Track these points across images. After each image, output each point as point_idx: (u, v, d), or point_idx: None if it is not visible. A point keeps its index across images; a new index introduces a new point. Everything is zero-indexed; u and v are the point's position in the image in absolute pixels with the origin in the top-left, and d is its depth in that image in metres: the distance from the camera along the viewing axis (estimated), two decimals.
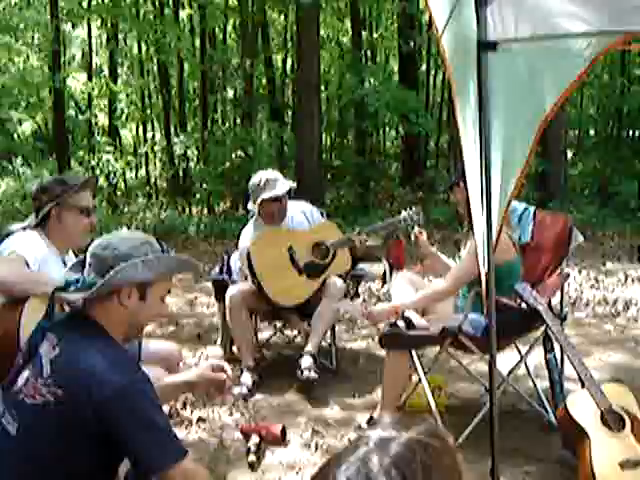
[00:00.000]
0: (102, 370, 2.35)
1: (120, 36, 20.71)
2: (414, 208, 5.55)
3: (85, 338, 2.47)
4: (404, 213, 5.50)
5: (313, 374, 5.22)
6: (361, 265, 5.98)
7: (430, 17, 17.60)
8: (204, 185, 16.24)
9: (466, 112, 3.32)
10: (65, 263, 3.85)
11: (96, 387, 2.31)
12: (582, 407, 3.71)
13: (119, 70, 21.83)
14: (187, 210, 16.61)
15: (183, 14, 18.84)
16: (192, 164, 18.06)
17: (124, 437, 2.37)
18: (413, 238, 5.14)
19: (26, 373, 2.46)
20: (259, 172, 5.70)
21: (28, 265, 3.63)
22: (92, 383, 2.32)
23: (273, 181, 5.49)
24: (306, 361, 5.29)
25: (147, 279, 2.54)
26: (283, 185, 5.51)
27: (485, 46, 2.99)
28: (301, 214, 5.77)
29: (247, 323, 5.55)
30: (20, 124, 23.79)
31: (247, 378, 5.38)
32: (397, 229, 5.54)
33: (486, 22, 2.98)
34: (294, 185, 5.71)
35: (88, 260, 2.58)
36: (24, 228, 3.88)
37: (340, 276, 5.60)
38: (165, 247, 2.64)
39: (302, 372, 5.22)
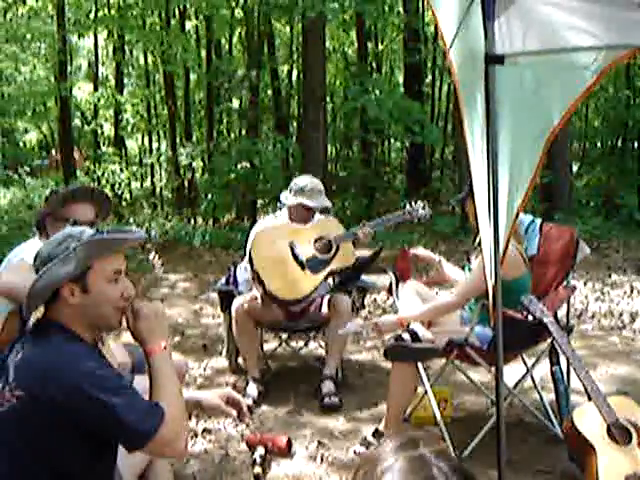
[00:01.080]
0: (53, 366, 2.36)
1: (126, 47, 20.78)
2: (419, 202, 5.56)
3: (42, 339, 2.46)
4: (409, 207, 5.51)
5: (335, 400, 5.29)
6: (367, 277, 5.99)
7: (436, 29, 17.67)
8: (209, 196, 16.22)
9: (473, 125, 3.33)
10: None
11: (51, 384, 2.32)
12: (588, 420, 3.70)
13: (125, 80, 21.89)
14: (192, 221, 16.61)
15: (189, 25, 18.89)
16: (197, 175, 18.06)
17: (99, 429, 2.39)
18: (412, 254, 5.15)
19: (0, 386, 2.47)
20: (308, 176, 5.79)
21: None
22: (46, 381, 2.33)
23: (318, 192, 5.56)
24: (327, 387, 5.38)
25: (71, 272, 2.46)
26: (324, 202, 5.59)
27: (493, 59, 3.00)
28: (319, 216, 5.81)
29: (253, 334, 5.55)
30: (26, 133, 23.88)
31: (252, 389, 5.38)
32: (402, 222, 5.54)
33: (494, 36, 2.99)
34: (330, 206, 5.78)
35: None
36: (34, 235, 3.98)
37: (346, 291, 5.60)
38: (88, 234, 2.53)
39: (323, 399, 5.29)
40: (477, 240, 4.63)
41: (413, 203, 5.56)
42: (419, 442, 1.35)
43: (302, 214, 5.58)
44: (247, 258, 5.55)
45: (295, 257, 5.45)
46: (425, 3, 18.37)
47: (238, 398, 3.01)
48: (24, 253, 3.80)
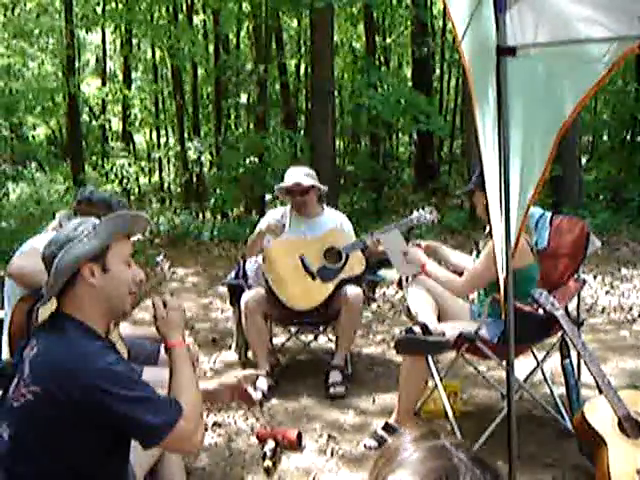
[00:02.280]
0: (71, 363, 2.35)
1: (134, 41, 20.79)
2: (426, 207, 5.56)
3: (56, 332, 2.45)
4: (416, 213, 5.51)
5: (341, 390, 5.36)
6: (378, 271, 6.00)
7: (445, 22, 17.65)
8: (218, 190, 16.23)
9: (485, 117, 3.32)
10: None
11: (69, 382, 2.31)
12: (599, 413, 3.69)
13: (133, 75, 21.90)
14: (201, 215, 16.63)
15: (197, 19, 18.88)
16: (206, 169, 18.07)
17: (115, 422, 2.38)
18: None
19: (15, 380, 2.47)
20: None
21: None
22: (65, 378, 2.32)
23: (297, 174, 5.70)
24: (335, 376, 5.46)
25: (96, 248, 2.48)
26: (305, 179, 5.66)
27: (504, 51, 2.99)
28: (335, 222, 5.84)
29: (263, 328, 5.56)
30: (34, 129, 23.90)
31: (263, 383, 5.39)
32: (412, 229, 5.57)
33: (505, 27, 2.98)
34: (324, 188, 5.82)
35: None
36: (54, 229, 4.02)
37: (356, 282, 5.60)
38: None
39: (329, 388, 5.36)
40: (487, 230, 4.65)
41: (420, 209, 5.56)
42: (439, 434, 1.35)
43: (294, 202, 5.73)
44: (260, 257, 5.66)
45: (306, 268, 5.51)
46: None
47: (247, 389, 3.02)
48: (36, 242, 3.85)
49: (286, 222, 5.68)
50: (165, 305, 2.66)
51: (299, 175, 5.67)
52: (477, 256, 4.75)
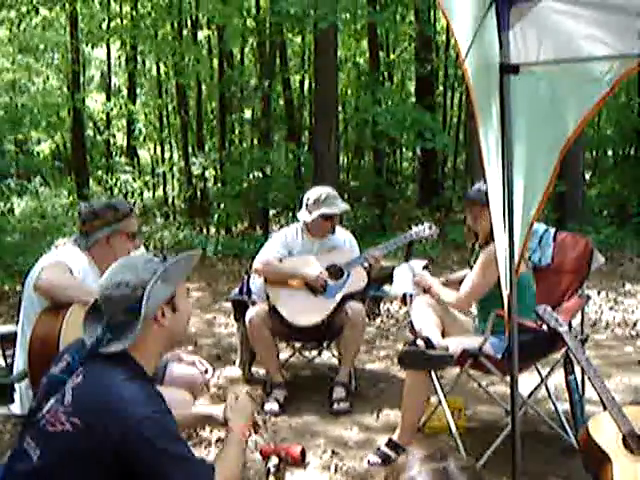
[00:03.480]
0: (119, 405, 2.34)
1: (139, 57, 20.89)
2: (425, 223, 5.57)
3: (107, 369, 2.45)
4: (415, 228, 5.53)
5: (345, 406, 5.37)
6: (381, 286, 6.00)
7: (448, 39, 17.71)
8: (221, 205, 16.28)
9: (489, 134, 3.33)
10: None
11: (113, 423, 2.31)
12: (604, 430, 3.67)
13: (137, 91, 21.98)
14: (205, 230, 16.65)
15: (201, 35, 18.98)
16: (210, 184, 18.11)
17: (146, 471, 2.36)
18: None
19: (52, 400, 2.47)
20: (317, 187, 5.79)
21: (72, 274, 3.77)
22: (109, 418, 2.32)
23: (333, 198, 5.60)
24: (339, 392, 5.46)
25: (172, 291, 2.56)
26: (342, 205, 5.62)
27: (507, 69, 3.01)
28: (342, 240, 5.83)
29: (270, 341, 5.56)
30: (39, 144, 23.99)
31: (279, 394, 5.43)
32: (412, 244, 5.59)
33: (508, 45, 3.00)
34: (349, 208, 5.80)
35: (106, 306, 2.53)
36: (65, 244, 4.03)
37: (359, 298, 5.61)
38: (160, 255, 2.62)
39: (333, 404, 5.37)
40: (476, 246, 4.68)
41: (419, 224, 5.57)
42: (447, 454, 1.35)
43: (322, 226, 5.62)
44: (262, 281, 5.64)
45: (308, 286, 5.51)
46: (441, 14, 18.43)
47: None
48: (62, 256, 3.88)
49: (298, 241, 5.69)
50: (237, 396, 2.86)
51: (340, 202, 5.64)
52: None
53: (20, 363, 3.95)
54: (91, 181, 18.90)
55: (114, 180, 18.08)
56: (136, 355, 2.51)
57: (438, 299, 4.71)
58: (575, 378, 4.55)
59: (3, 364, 4.34)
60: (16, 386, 3.88)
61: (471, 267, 4.80)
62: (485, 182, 3.57)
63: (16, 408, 3.89)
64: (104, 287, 2.53)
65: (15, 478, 2.48)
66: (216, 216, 16.37)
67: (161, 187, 21.54)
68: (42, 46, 20.02)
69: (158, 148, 23.09)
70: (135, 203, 18.67)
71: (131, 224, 4.09)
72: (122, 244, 4.04)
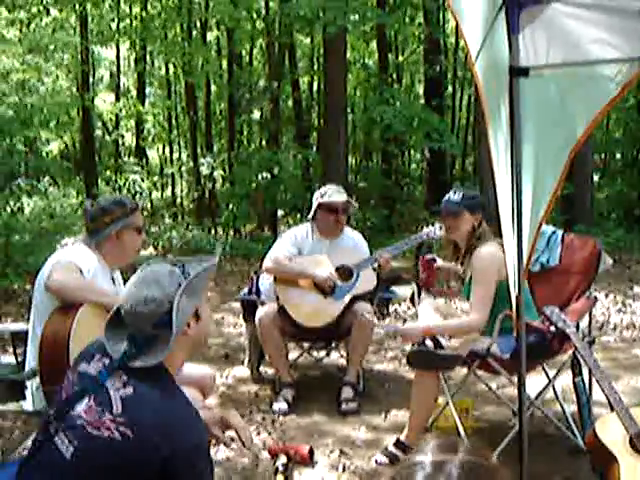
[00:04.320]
0: (176, 426, 2.40)
1: (148, 58, 20.95)
2: (436, 224, 5.58)
3: (156, 385, 2.49)
4: (425, 229, 5.55)
5: (353, 406, 5.39)
6: (390, 287, 6.03)
7: (457, 40, 17.71)
8: (230, 206, 16.31)
9: (498, 136, 3.36)
10: (113, 279, 4.11)
11: (168, 441, 2.36)
12: (611, 431, 3.68)
13: (147, 91, 22.04)
14: (213, 231, 16.68)
15: (210, 36, 19.03)
16: (218, 185, 18.14)
17: None
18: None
19: (87, 400, 2.48)
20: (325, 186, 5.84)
21: (82, 274, 3.81)
22: (165, 436, 2.36)
23: (335, 191, 5.66)
24: (347, 392, 5.47)
25: (197, 303, 2.60)
26: (343, 196, 5.64)
27: (517, 72, 3.04)
28: (351, 241, 5.85)
29: (280, 341, 5.59)
30: (48, 144, 24.05)
31: (287, 394, 5.47)
32: (421, 246, 5.61)
33: (518, 48, 3.03)
34: (356, 205, 5.84)
35: (132, 319, 2.54)
36: (73, 243, 4.07)
37: (368, 299, 5.63)
38: (179, 264, 2.63)
39: (341, 404, 5.39)
40: (461, 257, 4.70)
41: (430, 225, 5.59)
42: (458, 454, 1.36)
43: (326, 220, 5.65)
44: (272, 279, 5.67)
45: (318, 286, 5.52)
46: (450, 15, 18.44)
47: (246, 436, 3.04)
48: (71, 256, 3.91)
49: (308, 240, 5.71)
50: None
51: (342, 195, 5.67)
52: (463, 287, 4.78)
53: (31, 361, 3.99)
54: (100, 181, 18.93)
55: (123, 180, 18.12)
56: (168, 367, 2.56)
57: (445, 331, 4.65)
58: (582, 379, 4.56)
59: (14, 361, 4.39)
60: (27, 383, 3.92)
61: (462, 280, 4.83)
62: (493, 183, 3.60)
63: (27, 405, 3.92)
64: (130, 302, 2.54)
65: (41, 470, 2.51)
66: (224, 216, 16.40)
67: (169, 187, 21.59)
68: (52, 46, 20.06)
69: (167, 148, 23.14)
70: (143, 203, 18.74)
71: (138, 218, 4.17)
72: (131, 238, 4.11)
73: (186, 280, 2.54)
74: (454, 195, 4.63)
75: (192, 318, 2.59)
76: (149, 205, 20.20)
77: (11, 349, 4.78)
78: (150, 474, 2.39)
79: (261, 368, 6.18)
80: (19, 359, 4.29)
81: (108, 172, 20.63)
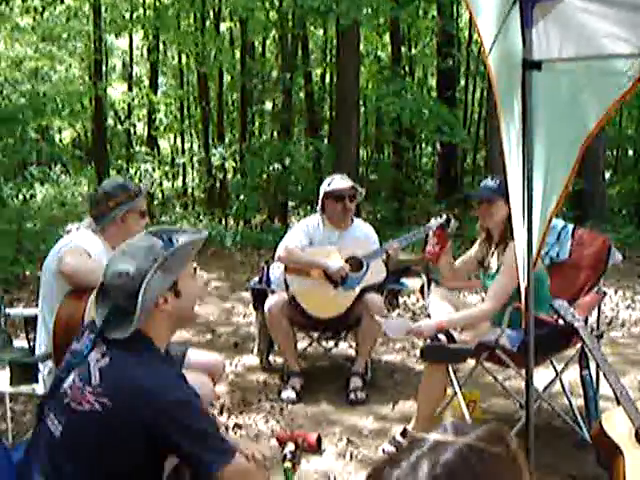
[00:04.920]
0: (152, 388, 2.44)
1: (161, 47, 20.97)
2: (444, 216, 5.58)
3: (134, 352, 2.53)
4: (433, 221, 5.55)
5: (361, 395, 5.44)
6: (400, 279, 6.06)
7: (470, 34, 17.67)
8: (241, 196, 16.33)
9: (510, 129, 3.38)
10: None
11: (145, 405, 2.40)
12: (617, 424, 3.70)
13: (159, 80, 22.05)
14: (223, 221, 16.71)
15: (224, 27, 19.03)
16: (229, 175, 18.16)
17: (174, 448, 2.49)
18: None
19: (72, 377, 2.54)
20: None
21: (90, 257, 3.87)
22: (141, 400, 2.41)
23: (340, 179, 5.71)
24: (355, 382, 5.53)
25: (173, 279, 2.58)
26: (348, 182, 5.69)
27: (530, 65, 3.07)
28: (362, 233, 5.88)
29: (289, 330, 5.63)
30: (60, 132, 24.13)
31: (295, 382, 5.52)
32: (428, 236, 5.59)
33: (532, 42, 3.05)
34: (362, 191, 5.83)
35: (109, 291, 2.59)
36: (77, 229, 4.11)
37: (379, 290, 5.66)
38: (166, 237, 2.61)
39: (349, 394, 5.44)
40: (493, 246, 4.69)
41: (438, 217, 5.58)
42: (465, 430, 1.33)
43: (336, 210, 5.68)
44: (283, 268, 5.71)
45: (328, 277, 5.54)
46: (464, 8, 18.41)
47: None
48: (79, 241, 3.97)
49: (319, 231, 5.74)
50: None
51: (347, 181, 5.71)
52: (484, 274, 4.79)
53: (41, 345, 4.05)
54: (111, 170, 18.98)
55: (134, 170, 18.16)
56: (151, 335, 2.59)
57: (459, 324, 4.64)
58: (590, 373, 4.59)
59: (27, 346, 4.45)
60: (40, 366, 3.97)
61: (481, 264, 4.83)
62: (505, 176, 3.61)
63: (39, 388, 3.98)
64: (108, 274, 2.58)
65: (38, 450, 2.57)
66: (235, 207, 16.42)
67: (180, 177, 21.62)
68: (65, 35, 20.10)
69: (178, 138, 23.16)
70: (154, 193, 18.80)
71: (142, 202, 4.24)
72: (135, 222, 4.16)
73: (162, 255, 2.54)
74: (491, 181, 4.61)
75: (169, 293, 2.58)
76: (160, 195, 20.25)
77: (23, 334, 4.85)
78: (137, 441, 2.44)
79: (270, 357, 6.22)
80: (31, 344, 4.35)
81: (120, 161, 20.68)
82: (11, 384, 4.09)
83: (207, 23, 18.42)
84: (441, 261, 4.96)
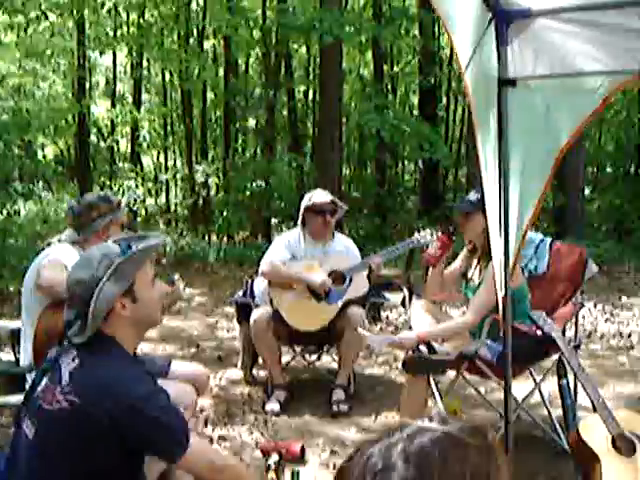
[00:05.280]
0: (117, 384, 2.52)
1: (145, 64, 21.04)
2: (427, 229, 5.67)
3: (101, 354, 2.61)
4: (417, 235, 5.63)
5: (344, 407, 5.51)
6: (381, 292, 6.13)
7: (452, 52, 17.85)
8: (224, 213, 16.40)
9: (486, 144, 3.48)
10: None
11: (111, 400, 2.48)
12: (594, 432, 3.78)
13: (143, 97, 22.10)
14: (207, 237, 16.77)
15: (207, 44, 19.13)
16: (212, 192, 18.22)
17: (139, 441, 2.58)
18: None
19: (44, 381, 2.62)
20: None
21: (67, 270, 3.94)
22: (108, 396, 2.48)
23: (320, 194, 5.81)
24: (338, 394, 5.60)
25: (124, 286, 2.64)
26: (328, 196, 5.77)
27: (505, 82, 3.18)
28: (343, 247, 5.94)
29: (274, 343, 5.67)
30: (43, 149, 24.08)
31: (280, 395, 5.56)
32: (413, 251, 5.67)
33: (507, 60, 3.16)
34: (343, 206, 5.89)
35: (71, 298, 2.67)
36: (59, 240, 4.19)
37: (361, 304, 5.73)
38: (125, 244, 2.68)
39: (332, 406, 5.50)
40: (475, 256, 4.78)
41: (421, 230, 5.67)
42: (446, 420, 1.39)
43: (317, 224, 5.75)
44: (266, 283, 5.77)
45: (311, 291, 5.61)
46: (441, 26, 18.57)
47: None
48: (57, 254, 4.04)
49: (301, 246, 5.81)
50: None
51: (327, 196, 5.79)
52: (466, 285, 4.88)
53: (25, 358, 4.11)
54: (94, 187, 18.98)
55: (117, 186, 18.19)
56: (117, 338, 2.66)
57: (438, 335, 4.74)
58: (567, 382, 4.67)
59: (14, 359, 4.51)
60: (27, 377, 4.03)
61: (464, 276, 4.92)
62: (482, 190, 3.71)
63: None
64: (69, 281, 2.68)
65: (16, 457, 2.64)
66: (218, 223, 16.49)
67: (164, 194, 21.65)
68: (49, 51, 20.13)
69: (161, 155, 23.21)
70: (138, 209, 18.81)
71: (122, 215, 4.36)
72: (116, 233, 4.20)
73: (116, 262, 2.60)
74: (473, 195, 4.70)
75: (125, 299, 2.64)
76: (143, 211, 20.27)
77: (7, 347, 4.90)
78: (107, 438, 2.51)
79: (254, 371, 6.27)
80: (17, 356, 4.41)
81: (102, 178, 20.70)
82: None
83: (191, 40, 18.52)
84: (436, 267, 5.00)
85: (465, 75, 3.47)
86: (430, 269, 5.06)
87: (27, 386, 3.99)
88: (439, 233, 5.19)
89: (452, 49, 19.31)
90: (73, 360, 2.59)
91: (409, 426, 1.35)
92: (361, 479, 1.30)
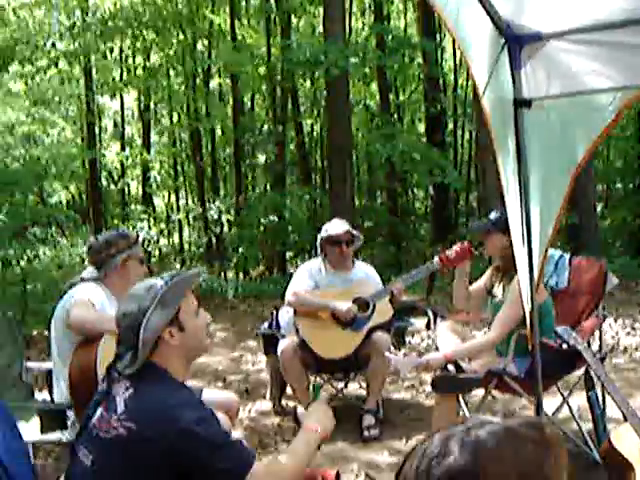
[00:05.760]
0: (172, 409, 2.59)
1: (152, 106, 21.27)
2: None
3: (155, 382, 2.70)
4: (436, 258, 5.71)
5: (375, 432, 5.56)
6: (405, 317, 6.19)
7: (456, 76, 17.99)
8: (240, 249, 16.52)
9: (506, 164, 3.60)
10: None
11: (168, 424, 2.54)
12: (626, 440, 3.81)
13: (152, 139, 22.32)
14: (223, 274, 16.87)
15: (213, 83, 19.34)
16: (225, 229, 18.35)
17: (199, 464, 2.60)
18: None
19: (99, 412, 2.70)
20: None
21: (94, 307, 4.07)
22: (163, 420, 2.55)
23: (337, 224, 5.90)
24: (368, 420, 5.64)
25: (170, 314, 2.74)
26: (345, 226, 5.86)
27: (521, 104, 3.30)
28: (364, 274, 6.02)
29: (302, 372, 5.72)
30: (54, 195, 24.27)
31: None
32: (433, 275, 5.73)
33: (521, 82, 3.28)
34: (358, 234, 5.98)
35: (121, 333, 2.77)
36: (82, 279, 4.31)
37: (386, 329, 5.79)
38: (168, 277, 2.78)
39: (363, 431, 5.56)
40: (499, 274, 4.87)
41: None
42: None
43: (334, 254, 5.85)
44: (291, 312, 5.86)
45: (337, 319, 5.68)
46: (449, 55, 18.79)
47: None
48: (83, 293, 4.17)
49: (323, 274, 5.90)
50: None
51: (344, 226, 5.88)
52: (491, 301, 4.96)
53: (61, 396, 4.22)
54: (107, 230, 19.08)
55: (130, 228, 18.34)
56: (167, 368, 2.75)
57: (464, 354, 4.83)
58: (596, 393, 4.71)
59: (49, 398, 4.60)
60: (68, 413, 4.12)
61: (489, 292, 5.01)
62: (504, 208, 3.82)
63: (68, 435, 4.11)
64: (117, 317, 2.78)
65: None
66: (234, 260, 16.59)
67: (177, 234, 21.79)
68: (57, 98, 20.40)
69: (173, 195, 23.39)
70: (152, 250, 18.95)
71: (140, 250, 4.51)
72: (136, 268, 4.39)
73: (160, 292, 2.71)
74: (492, 215, 4.81)
75: (172, 328, 2.73)
76: (157, 252, 20.39)
77: (37, 387, 5.02)
78: (163, 463, 2.57)
79: (283, 401, 6.32)
80: (52, 396, 4.50)
81: (115, 221, 20.88)
82: (42, 432, 4.22)
83: (197, 80, 18.74)
84: (459, 268, 5.10)
85: (483, 100, 3.59)
86: (455, 279, 5.15)
87: (69, 423, 4.12)
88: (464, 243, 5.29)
89: (456, 75, 19.61)
90: (127, 389, 2.67)
91: (470, 419, 1.44)
92: (418, 464, 1.38)
